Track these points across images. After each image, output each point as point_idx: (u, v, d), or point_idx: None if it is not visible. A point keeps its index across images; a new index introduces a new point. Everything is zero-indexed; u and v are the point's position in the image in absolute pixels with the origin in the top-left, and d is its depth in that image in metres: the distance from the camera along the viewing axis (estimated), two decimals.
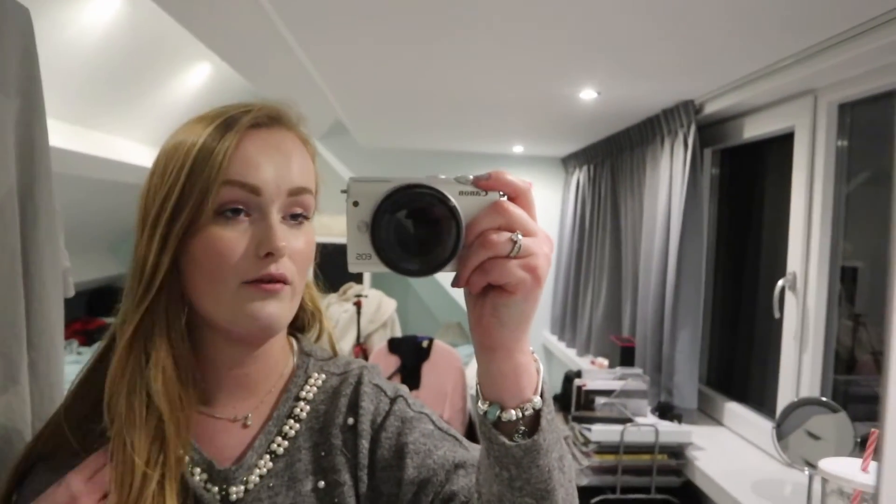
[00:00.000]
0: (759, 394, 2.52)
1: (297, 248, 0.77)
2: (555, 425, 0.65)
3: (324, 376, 0.88)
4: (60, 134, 2.58)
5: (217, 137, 0.75)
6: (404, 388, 0.89)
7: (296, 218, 0.78)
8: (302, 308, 0.91)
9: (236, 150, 0.75)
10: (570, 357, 3.91)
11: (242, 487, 0.78)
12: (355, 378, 0.86)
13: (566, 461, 0.66)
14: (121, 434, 0.73)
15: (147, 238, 0.76)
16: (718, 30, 1.75)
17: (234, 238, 0.74)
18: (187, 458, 0.77)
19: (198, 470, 0.78)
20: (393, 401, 0.85)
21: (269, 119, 0.79)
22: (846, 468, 1.01)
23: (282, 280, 0.75)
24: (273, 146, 0.77)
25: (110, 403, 0.75)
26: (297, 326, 0.93)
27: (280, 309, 0.76)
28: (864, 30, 1.63)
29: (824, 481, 1.03)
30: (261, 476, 0.79)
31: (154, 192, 0.76)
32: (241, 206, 0.74)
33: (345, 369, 0.89)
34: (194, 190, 0.73)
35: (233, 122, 0.76)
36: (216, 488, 0.78)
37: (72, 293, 1.19)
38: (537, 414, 0.63)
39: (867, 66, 1.79)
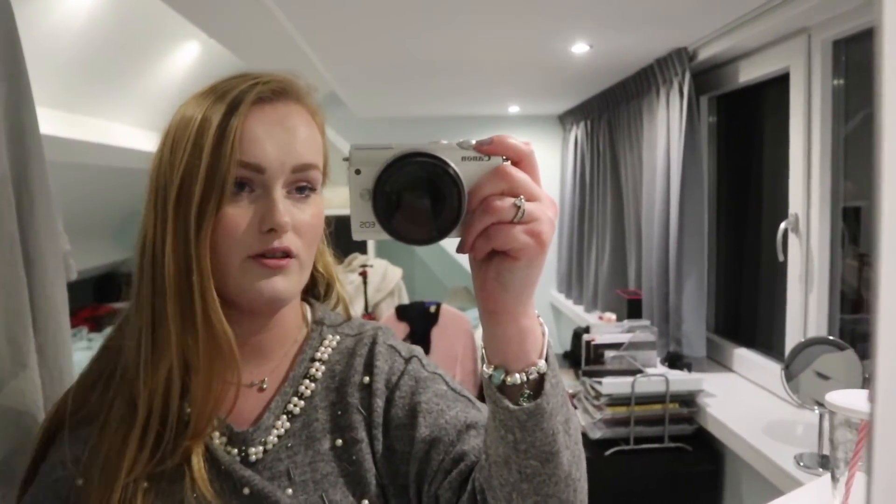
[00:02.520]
0: (766, 338, 2.53)
1: (303, 221, 0.77)
2: (560, 388, 0.65)
3: (338, 338, 0.89)
4: (52, 121, 2.58)
5: (226, 117, 0.74)
6: (418, 349, 0.90)
7: (302, 191, 0.78)
8: (315, 277, 0.92)
9: (242, 130, 0.74)
10: (578, 314, 3.93)
11: (261, 448, 0.80)
12: (370, 339, 0.88)
13: (572, 423, 0.67)
14: (150, 399, 0.75)
15: (158, 216, 0.76)
16: None
17: (238, 214, 0.74)
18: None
19: (216, 434, 0.80)
20: (407, 361, 0.86)
21: (273, 93, 0.78)
22: (853, 399, 1.02)
23: (286, 254, 0.76)
24: (277, 122, 0.76)
25: (129, 375, 0.77)
26: (314, 294, 0.94)
27: (286, 283, 0.77)
28: None
29: (832, 414, 1.04)
30: (279, 436, 0.81)
31: (165, 170, 0.76)
32: (244, 182, 0.75)
33: (359, 330, 0.90)
34: (206, 170, 0.73)
35: (240, 99, 0.75)
36: (235, 450, 0.80)
37: (74, 276, 1.19)
38: (542, 377, 0.63)
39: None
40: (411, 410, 0.81)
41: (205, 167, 0.73)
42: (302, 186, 0.78)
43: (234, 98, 0.75)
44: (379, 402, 0.82)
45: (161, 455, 0.75)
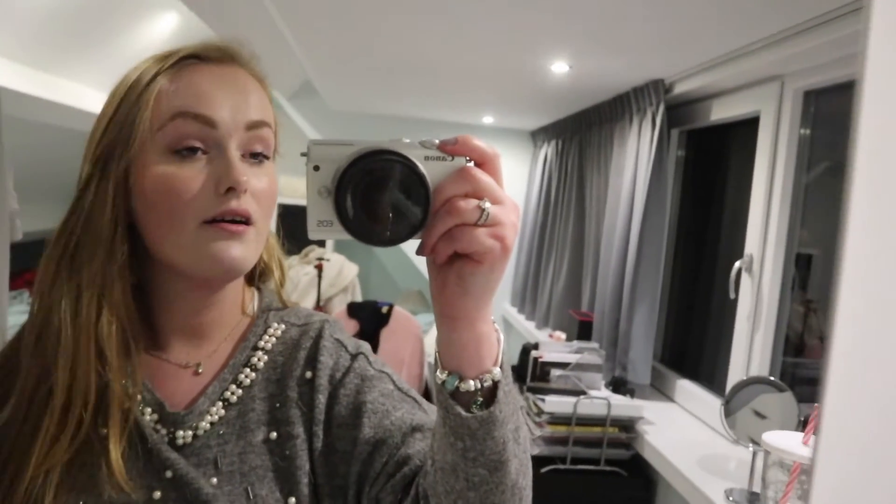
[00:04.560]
0: (710, 372, 2.57)
1: (259, 188, 0.75)
2: (512, 396, 0.64)
3: (283, 327, 0.86)
4: (16, 76, 2.50)
5: (155, 66, 0.73)
6: (366, 346, 0.87)
7: (256, 157, 0.76)
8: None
9: (188, 84, 0.72)
10: (529, 330, 3.94)
11: (191, 433, 0.77)
12: (316, 331, 0.85)
13: (521, 432, 0.66)
14: (63, 371, 0.71)
15: (84, 163, 0.74)
16: (691, 8, 1.75)
17: (190, 176, 0.71)
18: (139, 397, 0.75)
19: (148, 410, 0.77)
20: (354, 357, 0.83)
21: (219, 54, 0.76)
22: (788, 441, 1.04)
23: (245, 217, 0.73)
24: (226, 80, 0.75)
25: (45, 341, 0.72)
26: (250, 275, 0.90)
27: (244, 251, 0.74)
28: (831, 17, 1.64)
29: (766, 453, 1.06)
30: (211, 423, 0.78)
31: (95, 123, 0.74)
32: (197, 144, 0.72)
33: (306, 321, 0.87)
34: (124, 115, 0.71)
35: (174, 53, 0.74)
36: (164, 430, 0.76)
37: (19, 236, 1.15)
38: (495, 385, 0.62)
39: (834, 54, 1.81)
40: (355, 409, 0.78)
41: (120, 113, 0.72)
42: (256, 152, 0.76)
43: (169, 55, 0.74)
44: (321, 399, 0.79)
45: (80, 439, 0.71)
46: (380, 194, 0.56)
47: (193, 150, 0.72)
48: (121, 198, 0.73)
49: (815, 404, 1.57)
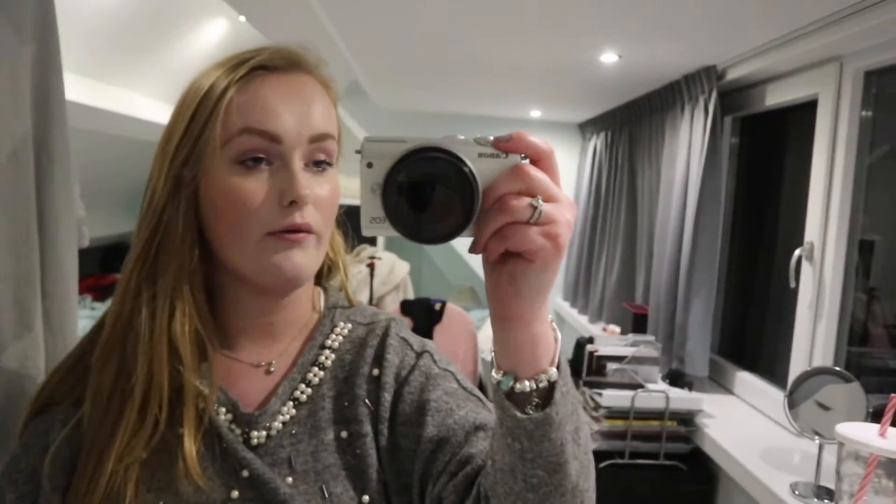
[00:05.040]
0: (770, 363, 2.51)
1: (321, 196, 0.76)
2: (570, 397, 0.62)
3: (350, 326, 0.87)
4: (75, 87, 2.58)
5: (224, 78, 0.74)
6: (431, 344, 0.87)
7: (319, 165, 0.76)
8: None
9: (254, 97, 0.73)
10: (583, 323, 3.91)
11: (265, 433, 0.78)
12: (382, 329, 0.85)
13: (582, 433, 0.65)
14: (142, 370, 0.73)
15: (157, 170, 0.76)
16: None
17: (254, 188, 0.72)
18: (214, 398, 0.77)
19: (223, 410, 0.78)
20: (419, 355, 0.83)
21: (286, 62, 0.77)
22: (863, 433, 1.01)
23: (307, 229, 0.74)
24: (293, 91, 0.75)
25: (125, 338, 0.75)
26: (317, 274, 0.90)
27: (306, 259, 0.75)
28: None
29: (840, 445, 1.02)
30: (283, 423, 0.79)
31: (168, 129, 0.76)
32: (261, 155, 0.73)
33: (371, 320, 0.88)
34: (198, 127, 0.72)
35: (244, 62, 0.75)
36: (239, 430, 0.78)
37: (86, 243, 1.19)
38: (552, 386, 0.61)
39: (895, 32, 1.74)
40: (420, 407, 0.78)
41: (194, 125, 0.73)
42: (319, 160, 0.76)
43: (238, 63, 0.75)
44: (387, 396, 0.80)
45: (157, 438, 0.73)
46: (426, 191, 0.56)
47: (258, 161, 0.73)
48: (192, 207, 0.75)
49: (883, 394, 1.52)
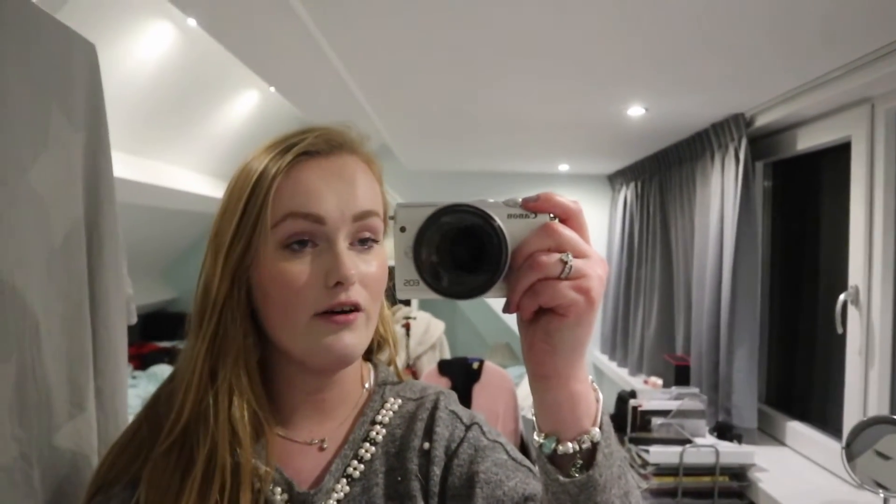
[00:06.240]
0: (821, 412, 2.44)
1: (368, 273, 0.76)
2: (615, 459, 0.61)
3: (400, 401, 0.87)
4: (115, 163, 2.67)
5: (272, 166, 0.75)
6: (480, 416, 0.86)
7: (364, 243, 0.77)
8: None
9: (297, 182, 0.75)
10: (622, 376, 3.85)
11: None
12: (432, 403, 0.85)
13: (632, 498, 0.62)
14: (203, 451, 0.74)
15: (211, 262, 0.77)
16: (767, 42, 1.73)
17: (300, 270, 0.73)
18: (269, 479, 0.77)
19: (279, 490, 0.78)
20: (468, 428, 0.83)
21: (327, 145, 0.78)
22: None
23: (354, 307, 0.74)
24: (334, 173, 0.77)
25: (187, 427, 0.76)
26: (367, 350, 0.91)
27: (355, 339, 0.75)
28: None
29: None
30: (338, 500, 0.78)
31: (220, 217, 0.78)
32: (306, 238, 0.74)
33: (421, 394, 0.88)
34: (251, 218, 0.74)
35: (289, 148, 0.76)
36: None
37: (134, 320, 1.21)
38: (595, 447, 0.59)
39: None
40: (469, 480, 0.77)
41: (247, 216, 0.74)
42: (365, 238, 0.77)
43: (284, 148, 0.77)
44: (436, 471, 0.79)
45: None
46: (456, 247, 0.58)
47: (303, 244, 0.74)
48: (246, 297, 0.77)
49: None
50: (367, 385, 0.89)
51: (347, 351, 0.75)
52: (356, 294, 0.74)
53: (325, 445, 0.83)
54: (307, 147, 0.77)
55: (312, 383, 0.82)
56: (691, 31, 1.66)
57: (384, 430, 0.84)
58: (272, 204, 0.74)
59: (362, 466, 0.81)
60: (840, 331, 2.12)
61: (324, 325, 0.74)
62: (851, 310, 2.11)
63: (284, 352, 0.78)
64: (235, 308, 0.76)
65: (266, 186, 0.74)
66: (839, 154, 2.24)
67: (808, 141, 2.38)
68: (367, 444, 0.82)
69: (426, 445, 0.81)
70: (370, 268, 0.77)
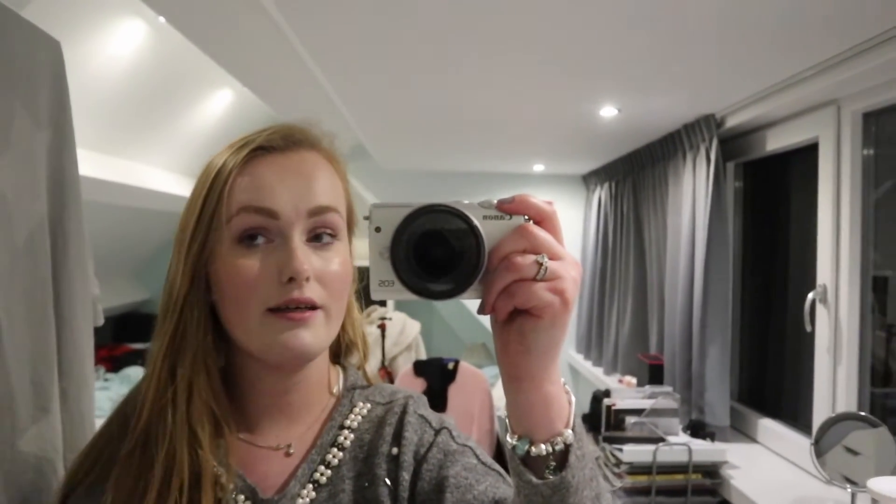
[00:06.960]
0: (792, 409, 2.47)
1: (326, 271, 0.75)
2: (587, 461, 0.61)
3: (369, 405, 0.86)
4: (85, 161, 2.63)
5: (231, 161, 0.75)
6: (450, 420, 0.86)
7: (320, 238, 0.76)
8: (340, 333, 0.88)
9: (252, 177, 0.74)
10: (597, 376, 3.87)
11: None
12: (400, 407, 0.84)
13: (604, 500, 0.63)
14: (162, 452, 0.73)
15: (175, 258, 0.76)
16: (736, 43, 1.74)
17: (252, 264, 0.73)
18: (231, 485, 0.75)
19: (241, 497, 0.77)
20: (437, 432, 0.82)
21: (285, 141, 0.78)
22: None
23: (309, 305, 0.73)
24: (290, 169, 0.76)
25: (147, 427, 0.75)
26: (335, 353, 0.91)
27: (313, 336, 0.74)
28: (886, 38, 1.61)
29: (874, 501, 1.00)
30: None
31: (184, 213, 0.77)
32: (259, 232, 0.74)
33: (390, 398, 0.87)
34: (208, 214, 0.74)
35: (247, 144, 0.76)
36: None
37: (101, 321, 1.19)
38: (568, 448, 0.59)
39: (891, 74, 1.77)
40: (438, 485, 0.77)
41: (205, 212, 0.74)
42: (321, 233, 0.76)
43: (241, 145, 0.76)
44: (405, 476, 0.78)
45: None
46: (432, 248, 0.57)
47: (255, 238, 0.74)
48: (205, 293, 0.76)
49: None
50: (335, 389, 0.87)
51: (305, 349, 0.74)
52: (311, 291, 0.73)
53: (292, 451, 0.81)
54: (263, 142, 0.76)
55: (277, 385, 0.80)
56: (662, 33, 1.68)
57: (352, 435, 0.83)
58: (227, 199, 0.73)
59: (329, 472, 0.80)
60: (809, 329, 2.15)
61: (278, 322, 0.73)
62: (820, 308, 2.14)
63: (244, 350, 0.77)
64: (195, 304, 0.75)
65: (222, 182, 0.74)
66: (807, 154, 2.27)
67: (777, 142, 2.41)
68: (335, 450, 0.81)
69: (395, 450, 0.80)
70: (329, 265, 0.76)
